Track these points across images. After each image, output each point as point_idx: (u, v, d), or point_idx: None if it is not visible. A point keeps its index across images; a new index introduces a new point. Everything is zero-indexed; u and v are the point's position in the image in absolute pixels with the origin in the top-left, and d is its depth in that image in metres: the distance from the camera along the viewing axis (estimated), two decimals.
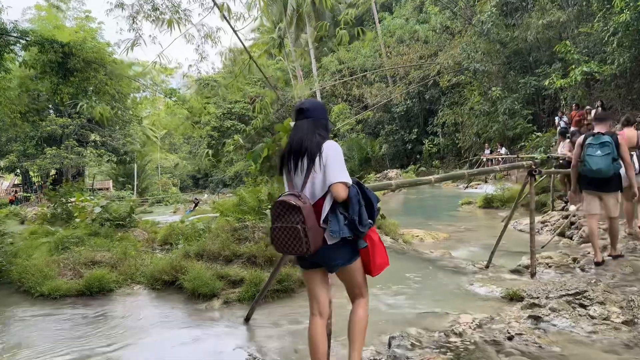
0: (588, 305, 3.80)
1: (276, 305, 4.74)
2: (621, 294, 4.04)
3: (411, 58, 27.25)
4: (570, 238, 7.78)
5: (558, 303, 3.86)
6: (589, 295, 3.91)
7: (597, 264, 5.13)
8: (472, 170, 6.08)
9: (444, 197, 16.98)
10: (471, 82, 25.69)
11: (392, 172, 20.59)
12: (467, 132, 26.06)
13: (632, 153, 6.11)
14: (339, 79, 29.99)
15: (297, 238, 2.26)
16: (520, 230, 9.04)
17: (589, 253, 5.90)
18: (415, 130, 30.30)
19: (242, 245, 5.89)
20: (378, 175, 21.01)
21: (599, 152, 4.89)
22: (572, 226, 8.07)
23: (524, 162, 5.11)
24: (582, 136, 5.25)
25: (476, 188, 18.18)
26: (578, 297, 3.96)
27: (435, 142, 28.70)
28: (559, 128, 18.61)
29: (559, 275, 5.04)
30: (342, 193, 2.32)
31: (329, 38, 38.28)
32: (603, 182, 5.03)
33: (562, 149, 10.42)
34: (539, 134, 20.10)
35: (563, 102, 20.37)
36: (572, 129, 16.54)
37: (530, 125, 21.83)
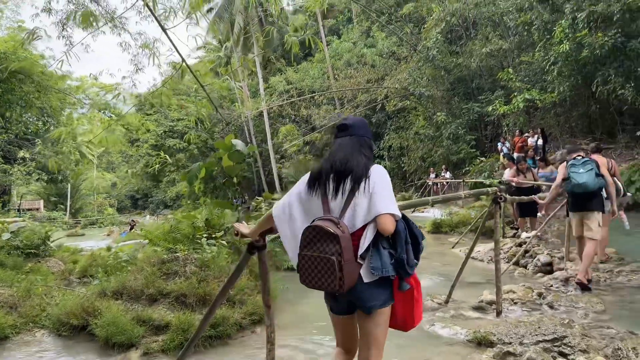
0: (570, 355, 3.31)
1: (209, 357, 3.96)
2: (600, 338, 3.60)
3: (358, 81, 27.28)
4: (525, 267, 7.47)
5: (535, 352, 3.34)
6: (569, 342, 3.43)
7: (588, 281, 5.27)
8: (437, 197, 5.79)
9: None
10: (416, 107, 25.97)
11: None
12: (413, 156, 26.21)
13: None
14: (287, 99, 29.55)
15: (330, 272, 1.97)
16: (473, 258, 8.68)
17: (551, 286, 5.54)
18: None
19: (171, 282, 5.06)
20: None
21: (582, 169, 5.18)
22: (527, 254, 7.79)
23: (489, 189, 4.68)
24: (565, 162, 5.62)
25: (423, 212, 18.01)
26: (557, 343, 3.47)
27: (381, 165, 28.67)
28: (502, 153, 18.97)
29: (527, 313, 4.58)
30: (390, 226, 2.03)
31: (276, 59, 37.98)
32: (587, 199, 5.20)
33: (508, 174, 10.30)
34: (482, 158, 20.41)
35: (505, 128, 20.86)
36: (515, 154, 16.81)
37: (474, 150, 22.18)
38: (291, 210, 2.26)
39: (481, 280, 6.72)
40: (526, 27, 19.05)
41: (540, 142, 16.79)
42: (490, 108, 19.58)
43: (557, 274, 5.93)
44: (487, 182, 12.75)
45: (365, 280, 2.05)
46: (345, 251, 1.95)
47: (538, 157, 15.20)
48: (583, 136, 18.57)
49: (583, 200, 5.26)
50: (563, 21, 15.95)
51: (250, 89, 38.38)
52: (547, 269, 6.98)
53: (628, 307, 4.48)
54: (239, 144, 5.58)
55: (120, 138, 35.42)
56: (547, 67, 17.23)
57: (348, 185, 2.13)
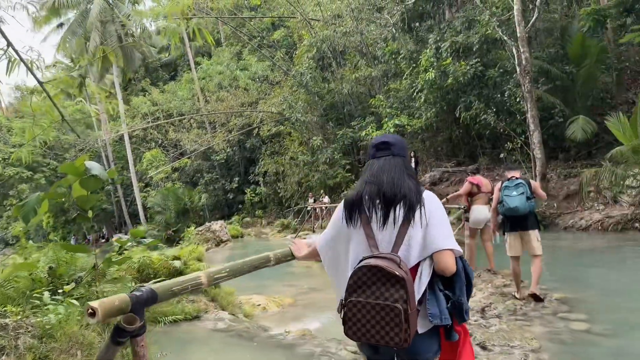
0: None
1: None
2: None
3: (231, 105, 26.28)
4: None
5: None
6: None
7: (520, 299, 5.52)
8: None
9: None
10: (291, 132, 25.76)
11: (216, 225, 18.53)
12: (289, 181, 25.81)
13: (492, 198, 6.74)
14: (152, 122, 27.29)
15: (395, 323, 1.62)
16: None
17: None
18: (237, 179, 29.08)
19: None
20: (200, 229, 18.78)
21: (514, 192, 5.32)
22: None
23: None
24: (500, 182, 5.70)
25: (304, 239, 17.39)
26: None
27: (257, 191, 27.81)
28: None
29: None
30: (452, 265, 1.75)
31: (139, 79, 35.35)
32: (521, 220, 5.38)
33: None
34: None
35: None
36: None
37: (349, 174, 22.45)
38: (334, 243, 1.94)
39: None
40: (393, 56, 19.90)
41: (412, 165, 17.37)
42: (363, 133, 19.98)
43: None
44: None
45: (420, 330, 1.75)
46: (412, 298, 1.65)
47: None
48: (447, 159, 19.77)
49: (518, 221, 5.43)
50: (427, 50, 16.85)
51: (109, 112, 35.10)
52: None
53: (558, 340, 4.14)
54: (95, 167, 4.24)
55: None
56: (415, 94, 18.06)
57: (400, 213, 1.80)
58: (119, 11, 32.83)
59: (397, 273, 1.65)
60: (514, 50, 13.37)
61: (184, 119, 27.89)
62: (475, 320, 4.89)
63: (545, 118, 14.36)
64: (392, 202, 1.83)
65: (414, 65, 18.12)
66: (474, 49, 15.41)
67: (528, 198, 5.27)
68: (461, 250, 1.78)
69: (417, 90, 17.75)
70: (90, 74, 35.53)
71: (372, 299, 1.67)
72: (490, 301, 5.42)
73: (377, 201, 1.85)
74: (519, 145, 14.83)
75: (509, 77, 14.77)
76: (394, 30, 19.76)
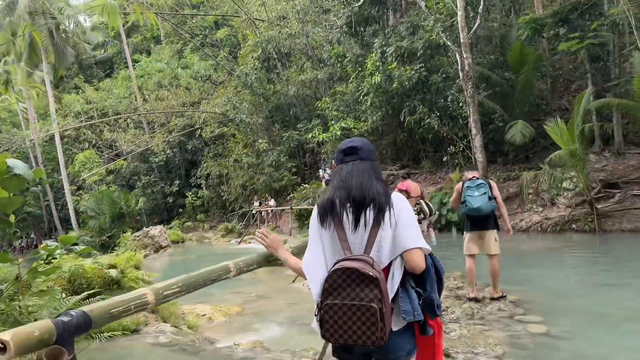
0: None
1: None
2: None
3: (172, 104, 25.29)
4: None
5: None
6: None
7: (474, 299, 5.58)
8: None
9: (219, 256, 15.10)
10: (235, 134, 25.17)
11: (154, 230, 17.51)
12: (233, 184, 25.18)
13: (420, 201, 7.21)
14: (85, 121, 25.72)
15: (371, 322, 1.65)
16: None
17: None
18: (177, 182, 28.03)
19: None
20: (137, 234, 17.72)
21: (476, 193, 5.38)
22: None
23: None
24: (461, 182, 5.70)
25: (250, 243, 16.96)
26: None
27: (199, 194, 26.92)
28: (324, 180, 19.21)
29: None
30: (421, 263, 1.81)
31: (71, 76, 33.33)
32: (483, 220, 5.46)
33: None
34: (305, 185, 20.45)
35: (324, 156, 21.35)
36: None
37: (295, 177, 22.21)
38: (319, 253, 1.93)
39: None
40: (339, 59, 19.91)
41: None
42: (310, 135, 19.83)
43: None
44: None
45: (394, 327, 1.78)
46: (386, 296, 1.69)
47: None
48: (392, 162, 19.99)
49: (479, 221, 5.51)
50: (373, 54, 16.96)
51: (38, 110, 32.82)
52: None
53: (519, 345, 4.08)
54: (18, 165, 3.72)
55: None
56: (361, 98, 18.12)
57: (370, 216, 1.86)
58: (49, 4, 30.82)
59: (371, 273, 1.68)
60: (457, 55, 13.66)
61: (120, 118, 26.51)
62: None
63: (485, 123, 14.79)
64: (362, 206, 1.88)
65: (360, 69, 18.20)
66: (418, 54, 15.65)
67: (490, 198, 5.36)
68: (429, 248, 1.83)
69: (363, 93, 17.83)
70: (18, 69, 33.15)
71: (347, 301, 1.69)
72: (446, 305, 5.33)
73: (348, 205, 1.89)
74: (461, 149, 15.19)
75: (452, 83, 15.12)
76: (339, 35, 19.78)
